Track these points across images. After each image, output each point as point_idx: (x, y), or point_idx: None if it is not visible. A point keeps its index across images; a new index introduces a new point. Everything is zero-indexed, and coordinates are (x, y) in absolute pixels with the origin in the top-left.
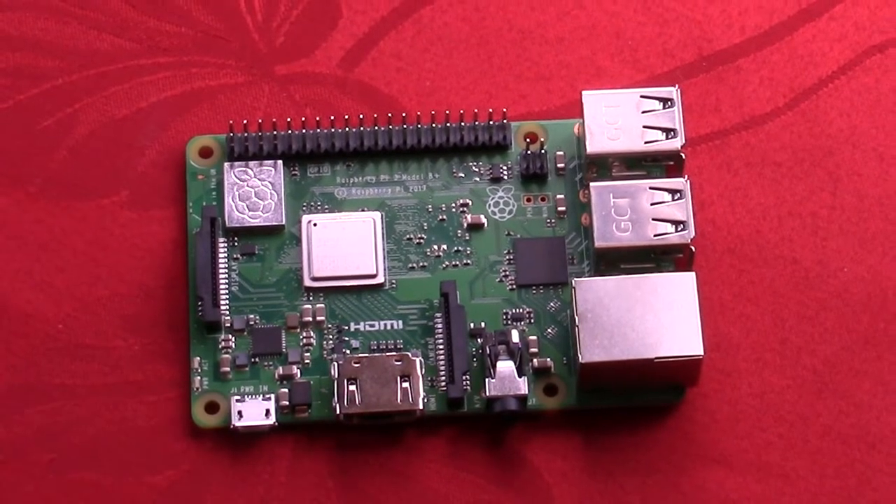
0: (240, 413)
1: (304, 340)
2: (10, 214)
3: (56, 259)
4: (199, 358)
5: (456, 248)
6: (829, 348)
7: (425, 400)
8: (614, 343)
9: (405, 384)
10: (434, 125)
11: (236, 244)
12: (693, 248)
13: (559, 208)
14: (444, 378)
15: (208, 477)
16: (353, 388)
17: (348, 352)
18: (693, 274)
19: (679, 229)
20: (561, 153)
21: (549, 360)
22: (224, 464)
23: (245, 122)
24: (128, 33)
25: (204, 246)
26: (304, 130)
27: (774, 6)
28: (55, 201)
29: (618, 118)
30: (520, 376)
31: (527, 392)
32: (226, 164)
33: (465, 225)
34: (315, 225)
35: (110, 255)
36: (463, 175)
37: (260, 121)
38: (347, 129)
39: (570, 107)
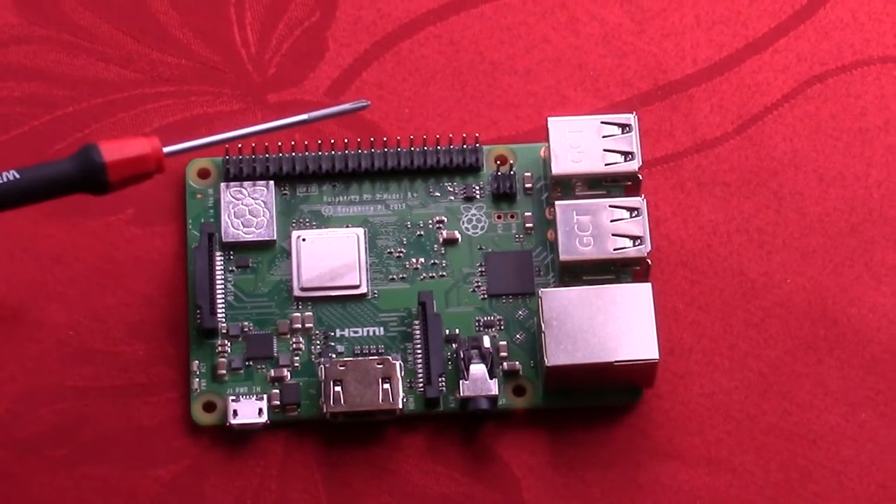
0: (235, 412)
1: (294, 345)
2: (25, 230)
3: (67, 271)
4: (197, 361)
5: (432, 261)
6: (773, 353)
7: (404, 400)
8: (577, 348)
9: (386, 385)
10: (412, 148)
11: (232, 257)
12: (649, 261)
13: (527, 225)
14: (421, 380)
15: (207, 470)
16: (338, 389)
17: (334, 356)
18: (649, 285)
19: (636, 244)
20: (528, 174)
21: (517, 363)
22: (221, 458)
23: (240, 145)
24: (133, 65)
25: (202, 259)
26: (293, 153)
27: (723, 40)
28: (66, 218)
29: (580, 142)
30: (491, 378)
31: (497, 393)
32: (222, 185)
33: (441, 240)
34: (304, 240)
35: (117, 267)
36: (439, 194)
37: (253, 145)
38: (333, 152)
39: (537, 132)
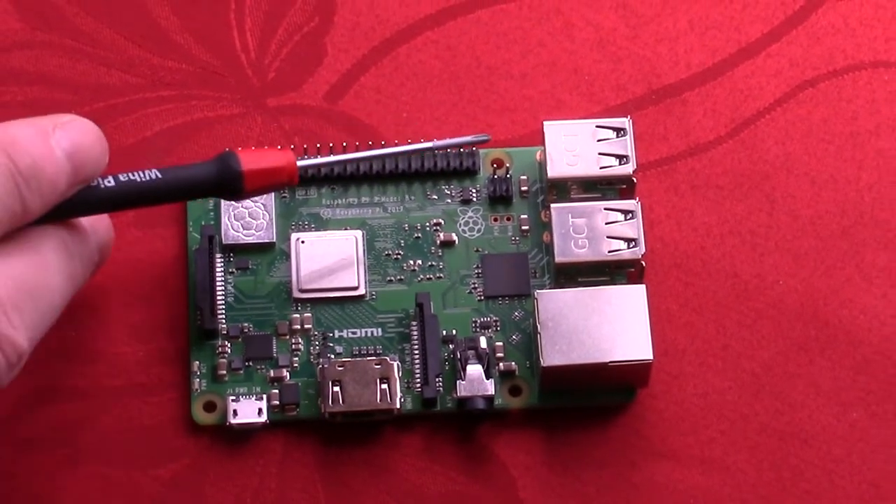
0: (235, 412)
1: (293, 346)
2: None
3: None
4: (198, 362)
5: (430, 263)
6: (765, 353)
7: (402, 400)
8: (572, 349)
9: (384, 385)
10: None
11: (232, 259)
12: (643, 263)
13: (523, 227)
14: (419, 380)
15: (207, 469)
16: (336, 389)
17: (332, 356)
18: (643, 286)
19: (631, 246)
20: (524, 177)
21: (513, 363)
22: (221, 457)
23: (239, 149)
24: (134, 69)
25: (203, 261)
26: None
27: (717, 45)
28: None
29: (576, 146)
30: (487, 378)
31: (493, 393)
32: None
33: (438, 242)
34: (303, 242)
35: (118, 269)
36: (436, 197)
37: (253, 148)
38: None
39: (533, 136)
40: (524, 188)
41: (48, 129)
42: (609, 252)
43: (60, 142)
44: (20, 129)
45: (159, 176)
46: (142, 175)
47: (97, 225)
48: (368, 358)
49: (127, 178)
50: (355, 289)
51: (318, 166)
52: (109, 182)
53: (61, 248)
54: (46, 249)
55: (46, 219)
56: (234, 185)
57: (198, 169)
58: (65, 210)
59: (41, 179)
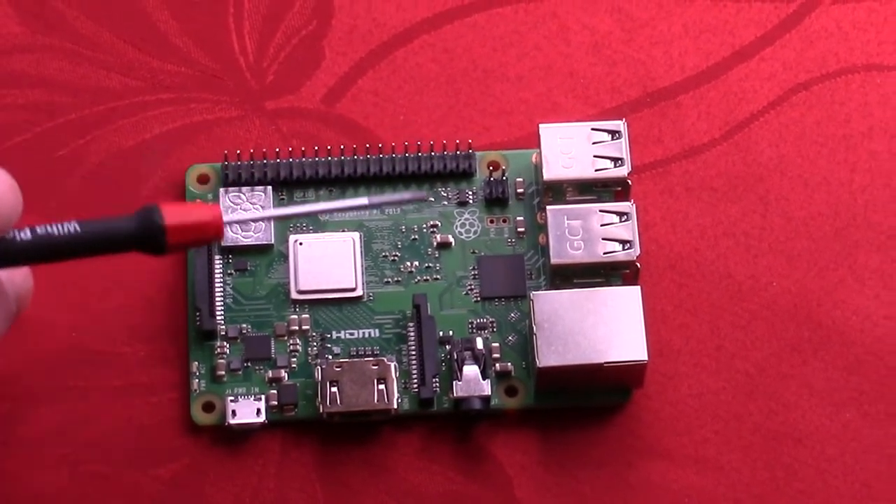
0: (234, 412)
1: (291, 347)
2: None
3: (70, 274)
4: (197, 362)
5: (427, 265)
6: (759, 354)
7: (399, 400)
8: (568, 349)
9: (381, 386)
10: (407, 154)
11: (230, 261)
12: (638, 265)
13: (519, 229)
14: (416, 380)
15: (206, 469)
16: (334, 389)
17: (330, 357)
18: (638, 288)
19: (626, 248)
20: (520, 180)
21: (509, 364)
22: (220, 457)
23: (238, 151)
24: (134, 73)
25: (202, 262)
26: (290, 159)
27: (711, 48)
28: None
29: (571, 148)
30: (484, 379)
31: (490, 393)
32: (221, 190)
33: (435, 244)
34: (301, 244)
35: (118, 270)
36: (433, 199)
37: (251, 151)
38: (330, 158)
39: (529, 138)
40: (520, 190)
41: None
42: (604, 254)
43: None
44: None
45: (78, 230)
46: (60, 228)
47: (13, 276)
48: (366, 359)
49: (45, 231)
50: (353, 290)
51: (245, 221)
52: (26, 234)
53: None
54: None
55: None
56: (155, 239)
57: (119, 223)
58: None
59: None
